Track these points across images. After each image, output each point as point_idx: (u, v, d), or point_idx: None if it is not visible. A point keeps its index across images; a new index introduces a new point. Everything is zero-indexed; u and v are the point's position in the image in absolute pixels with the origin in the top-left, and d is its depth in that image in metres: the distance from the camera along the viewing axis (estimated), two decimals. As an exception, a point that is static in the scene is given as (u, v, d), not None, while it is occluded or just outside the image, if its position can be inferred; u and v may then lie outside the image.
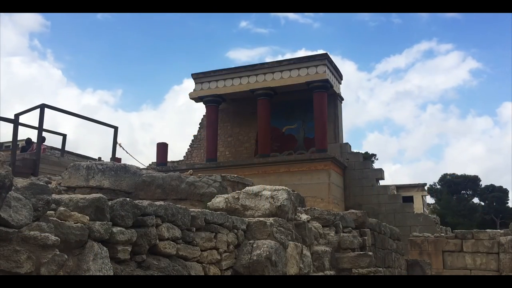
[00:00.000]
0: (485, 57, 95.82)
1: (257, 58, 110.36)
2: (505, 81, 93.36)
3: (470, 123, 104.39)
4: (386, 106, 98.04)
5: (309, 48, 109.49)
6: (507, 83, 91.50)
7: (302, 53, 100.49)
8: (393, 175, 79.69)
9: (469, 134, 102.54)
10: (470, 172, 77.98)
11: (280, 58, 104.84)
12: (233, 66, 20.62)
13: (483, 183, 44.27)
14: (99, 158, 13.79)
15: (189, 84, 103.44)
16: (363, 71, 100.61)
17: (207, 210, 4.28)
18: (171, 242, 3.51)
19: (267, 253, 4.38)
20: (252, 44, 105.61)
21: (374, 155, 39.48)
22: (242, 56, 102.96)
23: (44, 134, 11.37)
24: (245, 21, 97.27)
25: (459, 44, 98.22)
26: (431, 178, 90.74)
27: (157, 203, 3.52)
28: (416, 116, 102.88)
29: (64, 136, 13.09)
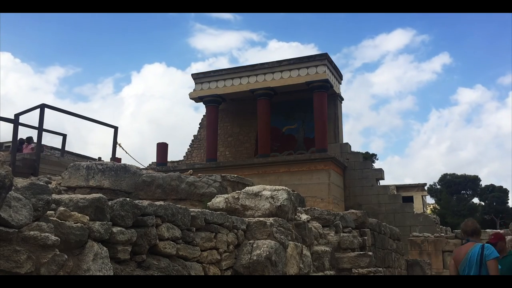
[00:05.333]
0: (459, 51, 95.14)
1: (229, 47, 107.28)
2: (466, 68, 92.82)
3: (434, 116, 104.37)
4: (349, 98, 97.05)
5: (282, 39, 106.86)
6: (468, 70, 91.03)
7: (274, 43, 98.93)
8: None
9: (436, 127, 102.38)
10: (442, 166, 77.73)
11: (248, 46, 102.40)
12: (233, 66, 20.65)
13: (478, 182, 44.28)
14: (99, 158, 13.79)
15: (147, 72, 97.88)
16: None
17: (207, 210, 4.28)
18: (171, 242, 3.51)
19: (267, 253, 4.38)
20: (217, 29, 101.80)
21: (374, 155, 39.49)
22: (210, 45, 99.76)
23: (44, 134, 11.36)
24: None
25: (435, 36, 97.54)
26: (401, 173, 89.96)
27: (157, 203, 3.52)
28: (379, 110, 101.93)
29: (64, 136, 13.09)
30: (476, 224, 5.00)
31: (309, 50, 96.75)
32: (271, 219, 4.74)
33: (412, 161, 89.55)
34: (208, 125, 20.74)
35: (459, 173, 44.22)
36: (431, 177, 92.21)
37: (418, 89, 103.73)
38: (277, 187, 5.17)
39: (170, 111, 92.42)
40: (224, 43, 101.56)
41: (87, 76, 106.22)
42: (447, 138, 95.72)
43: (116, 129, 12.13)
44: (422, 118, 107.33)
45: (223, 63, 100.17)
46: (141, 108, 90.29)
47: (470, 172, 69.33)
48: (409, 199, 26.95)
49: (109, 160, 11.06)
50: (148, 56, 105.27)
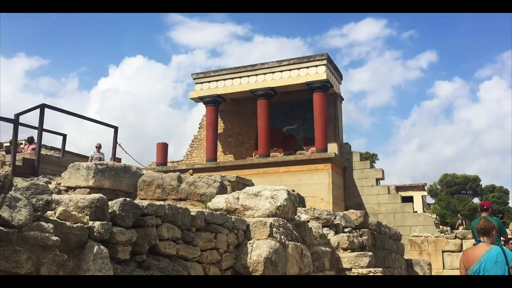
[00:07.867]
0: (445, 48, 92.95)
1: (213, 42, 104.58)
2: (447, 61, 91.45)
3: (416, 112, 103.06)
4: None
5: (268, 34, 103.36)
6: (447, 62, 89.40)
7: (260, 38, 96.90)
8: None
9: (417, 123, 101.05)
10: (423, 164, 77.06)
11: (235, 40, 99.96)
12: (233, 66, 20.67)
13: (479, 182, 44.33)
14: (99, 158, 13.78)
15: (126, 66, 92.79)
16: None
17: (207, 210, 4.28)
18: (171, 242, 3.51)
19: (267, 253, 4.38)
20: (199, 22, 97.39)
21: (375, 155, 39.50)
22: (192, 38, 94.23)
23: (44, 134, 11.36)
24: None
25: (422, 31, 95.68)
26: (386, 171, 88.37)
27: (157, 203, 3.52)
28: (362, 107, 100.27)
29: (64, 136, 13.09)
30: (489, 223, 4.53)
31: (296, 43, 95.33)
32: (271, 219, 4.74)
33: (395, 159, 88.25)
34: (208, 125, 20.74)
35: (453, 172, 44.29)
36: (416, 176, 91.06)
37: (401, 85, 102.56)
38: (277, 187, 5.18)
39: (147, 107, 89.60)
40: (208, 36, 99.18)
41: (62, 70, 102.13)
42: (426, 135, 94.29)
43: (116, 129, 12.13)
44: (403, 114, 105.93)
45: (206, 57, 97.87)
46: (110, 104, 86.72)
47: (457, 170, 68.78)
48: (409, 199, 26.92)
49: (109, 160, 11.07)
50: (126, 49, 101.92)
